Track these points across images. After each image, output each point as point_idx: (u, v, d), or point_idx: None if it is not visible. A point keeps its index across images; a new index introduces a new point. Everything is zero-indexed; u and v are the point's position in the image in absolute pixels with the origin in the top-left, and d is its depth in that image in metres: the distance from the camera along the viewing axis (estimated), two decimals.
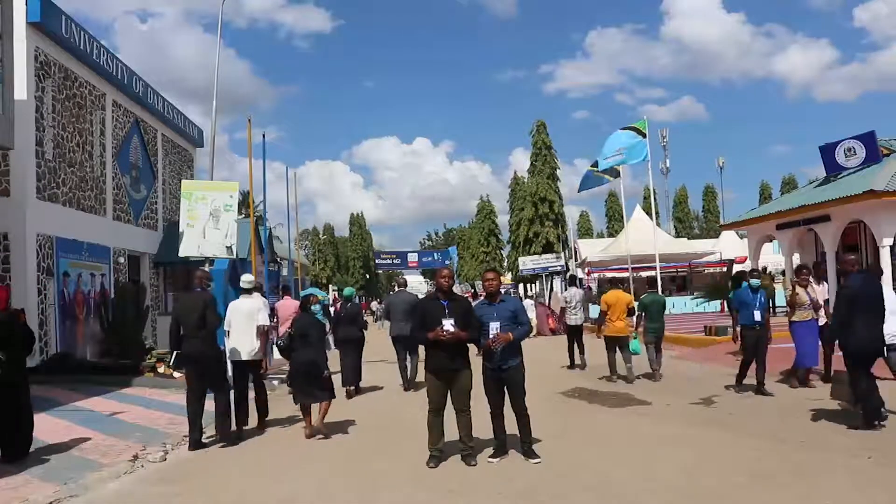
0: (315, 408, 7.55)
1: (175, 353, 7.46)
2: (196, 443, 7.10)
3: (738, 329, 9.43)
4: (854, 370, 6.81)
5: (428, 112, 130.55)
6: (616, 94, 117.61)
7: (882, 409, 6.77)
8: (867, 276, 7.22)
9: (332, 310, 17.33)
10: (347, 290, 11.95)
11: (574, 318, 12.87)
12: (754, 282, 9.43)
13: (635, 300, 11.85)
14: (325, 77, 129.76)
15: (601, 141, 21.40)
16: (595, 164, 22.17)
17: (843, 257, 8.18)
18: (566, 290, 14.40)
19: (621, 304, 10.94)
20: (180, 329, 7.28)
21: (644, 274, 22.49)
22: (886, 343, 7.43)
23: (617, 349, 10.92)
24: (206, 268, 12.14)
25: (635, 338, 11.02)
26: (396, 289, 12.32)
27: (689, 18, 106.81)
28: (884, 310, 6.92)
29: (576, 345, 12.76)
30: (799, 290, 9.46)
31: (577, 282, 18.46)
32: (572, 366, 12.68)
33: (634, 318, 11.22)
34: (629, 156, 20.51)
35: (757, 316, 9.16)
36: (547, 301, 27.16)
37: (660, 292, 14.77)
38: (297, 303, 11.59)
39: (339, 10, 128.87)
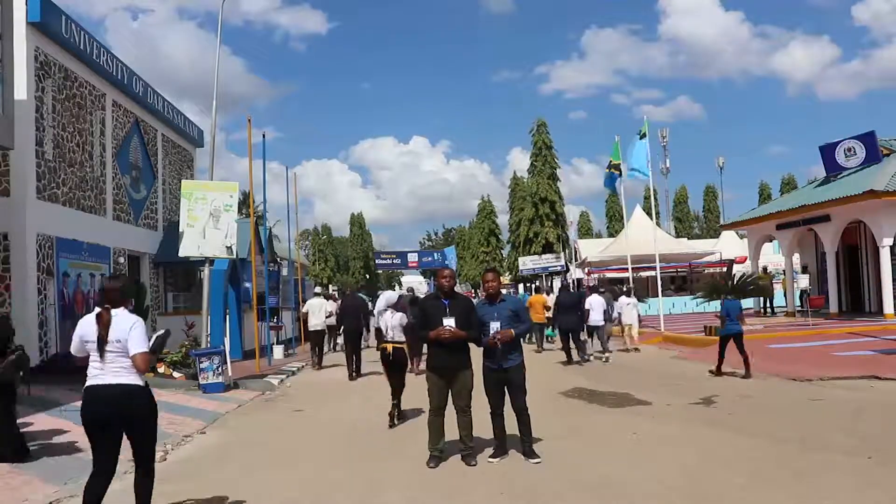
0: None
1: (342, 328, 13.50)
2: (356, 373, 12.70)
3: None
4: (564, 338, 13.91)
5: (424, 112, 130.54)
6: (612, 94, 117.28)
7: (573, 357, 13.63)
8: (566, 292, 15.70)
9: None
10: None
11: None
12: None
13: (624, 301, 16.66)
14: (322, 78, 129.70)
15: (599, 141, 21.39)
16: (613, 166, 21.89)
17: (563, 282, 17.51)
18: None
19: (539, 303, 16.87)
20: (343, 314, 13.38)
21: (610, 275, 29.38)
22: (590, 324, 14.13)
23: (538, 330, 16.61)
24: (206, 267, 12.25)
25: (549, 326, 16.86)
26: (405, 291, 19.78)
27: (686, 17, 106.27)
28: (575, 308, 13.99)
29: None
30: None
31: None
32: None
33: (551, 311, 16.17)
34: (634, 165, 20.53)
35: None
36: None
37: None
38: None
39: (334, 11, 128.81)
